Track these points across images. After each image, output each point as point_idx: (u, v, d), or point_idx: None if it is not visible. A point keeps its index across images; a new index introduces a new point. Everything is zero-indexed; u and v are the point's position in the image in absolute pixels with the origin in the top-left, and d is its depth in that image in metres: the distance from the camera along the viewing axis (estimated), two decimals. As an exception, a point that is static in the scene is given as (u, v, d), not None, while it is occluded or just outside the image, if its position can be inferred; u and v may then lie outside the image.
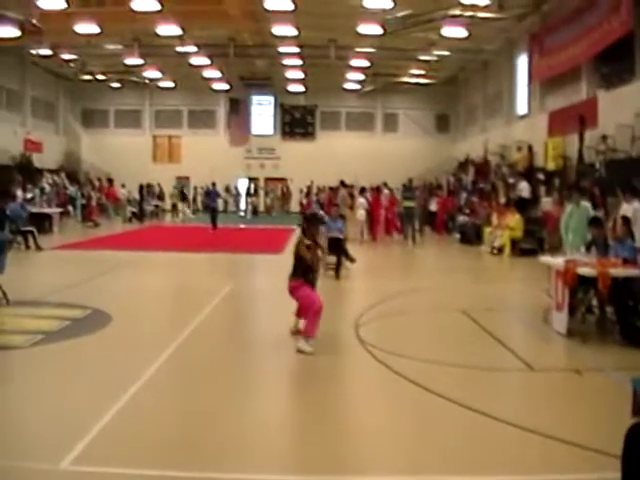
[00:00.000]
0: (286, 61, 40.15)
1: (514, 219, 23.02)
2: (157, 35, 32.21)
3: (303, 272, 9.84)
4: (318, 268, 10.40)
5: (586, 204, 15.09)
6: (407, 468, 5.76)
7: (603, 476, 5.07)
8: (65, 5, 26.18)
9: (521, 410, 7.36)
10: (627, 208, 14.05)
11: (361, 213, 27.69)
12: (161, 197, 42.46)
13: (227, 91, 48.22)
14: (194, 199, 48.22)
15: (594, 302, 10.82)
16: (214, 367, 8.94)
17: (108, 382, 7.87)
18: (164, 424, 6.69)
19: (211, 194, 35.00)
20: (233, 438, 6.35)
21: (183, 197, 43.64)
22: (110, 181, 41.76)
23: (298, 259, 9.87)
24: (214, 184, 36.10)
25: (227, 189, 48.05)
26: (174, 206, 43.10)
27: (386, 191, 31.17)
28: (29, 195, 29.79)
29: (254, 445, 6.21)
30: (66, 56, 38.84)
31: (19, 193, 26.08)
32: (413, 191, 30.18)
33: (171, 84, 46.88)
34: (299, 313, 10.19)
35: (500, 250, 23.07)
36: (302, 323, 9.91)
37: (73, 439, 5.96)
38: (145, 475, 5.46)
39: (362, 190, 29.70)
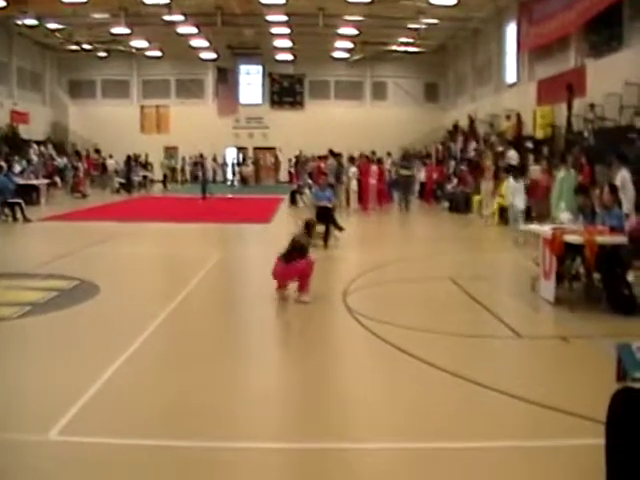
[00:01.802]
0: (274, 30, 39.89)
1: (503, 186, 22.95)
2: (144, 4, 31.96)
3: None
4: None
5: (573, 171, 15.15)
6: (396, 435, 5.77)
7: (589, 442, 5.09)
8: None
9: (508, 377, 7.39)
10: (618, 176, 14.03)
11: (354, 183, 27.71)
12: (146, 167, 42.45)
13: (215, 60, 47.84)
14: (182, 169, 48.16)
15: (581, 270, 10.85)
16: (203, 336, 8.94)
17: (97, 352, 7.86)
18: (152, 393, 6.69)
19: (198, 165, 35.14)
20: (224, 407, 6.35)
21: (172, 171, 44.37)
22: (97, 152, 41.88)
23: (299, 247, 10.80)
24: (202, 155, 36.15)
25: (214, 159, 47.88)
26: (165, 177, 43.43)
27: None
28: (18, 168, 29.54)
29: (245, 413, 6.22)
30: (52, 26, 38.45)
31: (2, 163, 25.91)
32: (410, 160, 30.17)
33: (158, 53, 46.49)
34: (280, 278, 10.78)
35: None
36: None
37: (61, 410, 5.95)
38: (134, 444, 5.47)
39: (352, 159, 29.69)
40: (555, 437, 5.63)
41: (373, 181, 28.51)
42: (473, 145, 34.32)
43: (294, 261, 10.59)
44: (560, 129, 25.92)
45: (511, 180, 20.27)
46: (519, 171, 22.14)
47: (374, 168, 28.96)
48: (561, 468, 5.17)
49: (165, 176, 43.59)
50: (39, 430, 5.58)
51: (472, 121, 37.66)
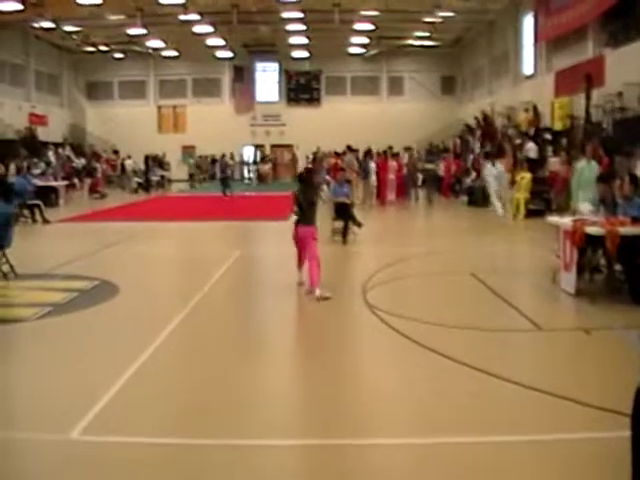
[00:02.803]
0: (290, 27, 39.83)
1: (526, 179, 22.73)
2: (160, 4, 32.01)
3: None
4: None
5: (594, 162, 15.04)
6: (418, 430, 5.76)
7: (614, 435, 5.05)
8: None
9: (530, 370, 7.35)
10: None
11: (373, 178, 27.68)
12: (163, 166, 42.94)
13: (231, 59, 47.93)
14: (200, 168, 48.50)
15: (602, 261, 10.77)
16: (223, 333, 8.96)
17: (116, 352, 7.89)
18: (173, 392, 6.71)
19: (217, 164, 35.40)
20: (244, 404, 6.35)
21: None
22: (115, 152, 42.21)
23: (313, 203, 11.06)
24: (223, 156, 36.48)
25: (232, 157, 47.87)
26: (191, 176, 44.75)
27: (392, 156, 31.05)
28: (38, 171, 29.71)
29: (265, 410, 6.21)
30: (69, 28, 38.64)
31: (12, 167, 26.10)
32: (435, 155, 30.09)
33: (175, 53, 46.56)
34: (301, 263, 11.06)
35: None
36: (307, 276, 10.71)
37: (82, 409, 5.97)
38: (155, 443, 5.48)
39: (370, 155, 29.62)
40: (579, 430, 5.59)
41: (392, 176, 28.49)
42: (477, 145, 34.31)
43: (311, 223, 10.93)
44: (579, 120, 25.72)
45: (488, 165, 21.52)
46: (495, 157, 24.17)
47: (393, 164, 28.95)
48: (585, 461, 5.12)
49: (192, 175, 44.68)
50: (61, 430, 5.60)
51: (485, 117, 37.39)
